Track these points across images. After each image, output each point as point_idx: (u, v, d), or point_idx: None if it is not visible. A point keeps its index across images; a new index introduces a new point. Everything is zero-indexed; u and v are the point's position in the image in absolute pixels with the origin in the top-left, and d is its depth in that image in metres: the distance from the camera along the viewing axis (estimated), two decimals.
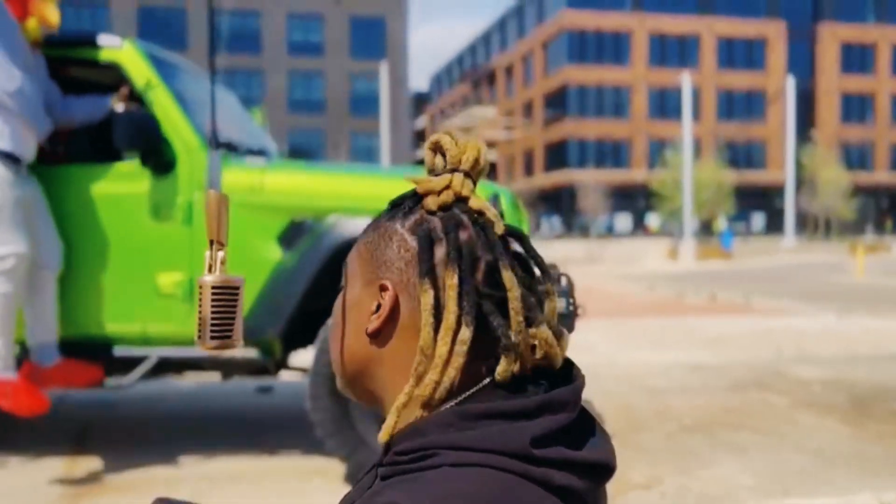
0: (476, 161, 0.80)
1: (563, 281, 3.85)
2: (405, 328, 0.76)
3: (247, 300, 3.59)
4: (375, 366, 0.78)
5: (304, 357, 4.42)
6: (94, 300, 3.69)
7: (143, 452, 3.92)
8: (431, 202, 0.78)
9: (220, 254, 0.89)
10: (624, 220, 53.57)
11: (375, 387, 0.80)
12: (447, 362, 0.72)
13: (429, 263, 0.74)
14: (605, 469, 0.73)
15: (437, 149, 0.81)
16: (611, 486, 3.54)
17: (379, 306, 0.77)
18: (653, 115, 54.75)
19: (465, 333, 0.72)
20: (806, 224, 52.33)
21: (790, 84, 35.65)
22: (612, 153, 54.60)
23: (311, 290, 3.52)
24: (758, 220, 55.43)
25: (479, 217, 0.78)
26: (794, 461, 3.83)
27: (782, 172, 45.92)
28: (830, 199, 47.38)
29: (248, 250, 3.55)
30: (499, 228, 0.78)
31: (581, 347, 7.28)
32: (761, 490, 3.41)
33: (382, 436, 0.75)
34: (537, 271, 0.80)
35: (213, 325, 0.87)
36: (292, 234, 3.61)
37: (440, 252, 0.75)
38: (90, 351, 3.74)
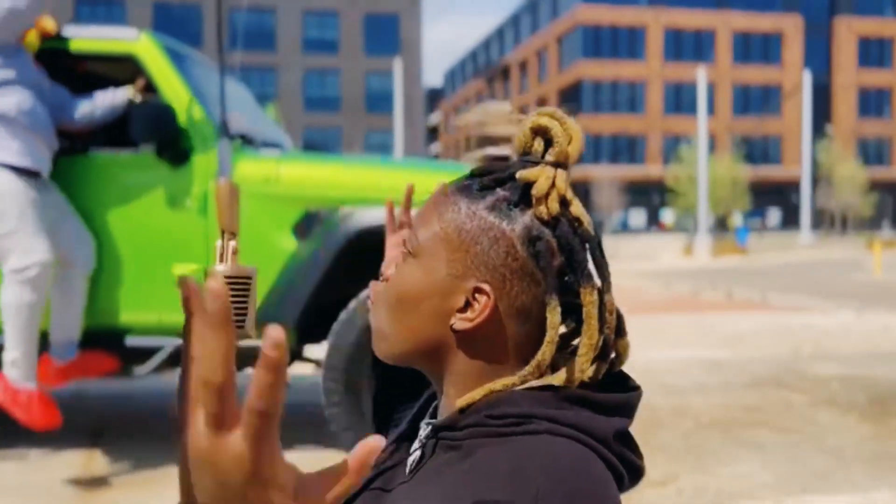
0: (579, 154, 0.79)
1: None
2: (489, 329, 0.77)
3: (261, 290, 3.60)
4: (446, 351, 0.79)
5: (318, 349, 4.42)
6: (111, 290, 3.70)
7: (159, 445, 3.93)
8: (544, 210, 0.76)
9: (232, 243, 0.87)
10: (638, 217, 53.39)
11: (435, 367, 0.80)
12: (582, 372, 0.76)
13: (555, 282, 0.75)
14: (640, 474, 0.78)
15: (541, 133, 0.79)
16: None
17: (467, 304, 0.77)
18: (668, 110, 54.50)
19: (595, 345, 0.77)
20: (822, 220, 51.98)
21: (807, 79, 35.39)
22: (626, 149, 54.41)
23: (326, 280, 3.52)
24: (773, 215, 55.10)
25: (578, 226, 0.78)
26: (813, 459, 3.79)
27: (798, 168, 45.62)
28: (847, 195, 47.04)
29: (263, 241, 3.55)
30: (594, 241, 0.79)
31: None
32: (780, 488, 3.38)
33: (462, 402, 0.76)
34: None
35: None
36: (307, 225, 3.61)
37: (554, 266, 0.76)
38: (106, 340, 3.75)
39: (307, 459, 3.75)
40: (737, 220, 39.62)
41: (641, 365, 6.33)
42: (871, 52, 57.44)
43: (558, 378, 0.76)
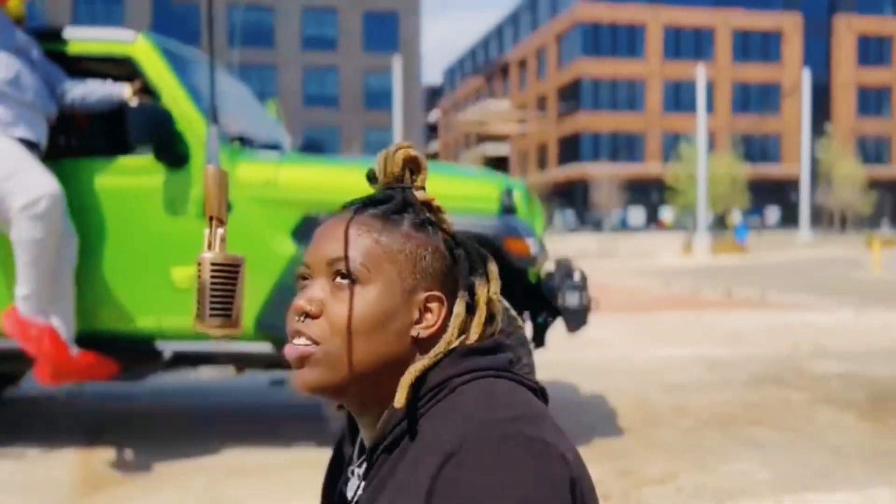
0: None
1: (577, 275, 3.82)
2: (442, 326, 0.89)
3: (261, 295, 3.60)
4: (405, 362, 0.86)
5: None
6: (109, 294, 3.70)
7: (158, 445, 3.93)
8: (448, 226, 0.92)
9: (220, 231, 0.86)
10: (637, 214, 53.38)
11: (389, 382, 0.86)
12: (473, 340, 0.90)
13: (468, 278, 0.90)
14: (544, 393, 0.93)
15: (411, 163, 0.92)
16: (626, 481, 3.52)
17: (420, 315, 0.87)
18: (667, 108, 54.49)
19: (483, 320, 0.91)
20: (821, 218, 51.97)
21: (806, 77, 35.38)
22: (626, 147, 54.40)
23: None
24: (773, 214, 55.11)
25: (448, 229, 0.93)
26: (812, 457, 3.79)
27: (797, 166, 45.59)
28: (846, 193, 47.02)
29: (262, 245, 3.54)
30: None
31: (596, 343, 7.24)
32: (779, 486, 3.38)
33: (401, 397, 0.84)
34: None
35: (212, 302, 0.84)
36: (306, 229, 3.60)
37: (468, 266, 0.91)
38: (105, 344, 3.75)
39: (307, 458, 3.75)
40: (736, 218, 39.57)
41: (640, 363, 6.33)
42: (871, 51, 57.43)
43: (439, 349, 0.87)
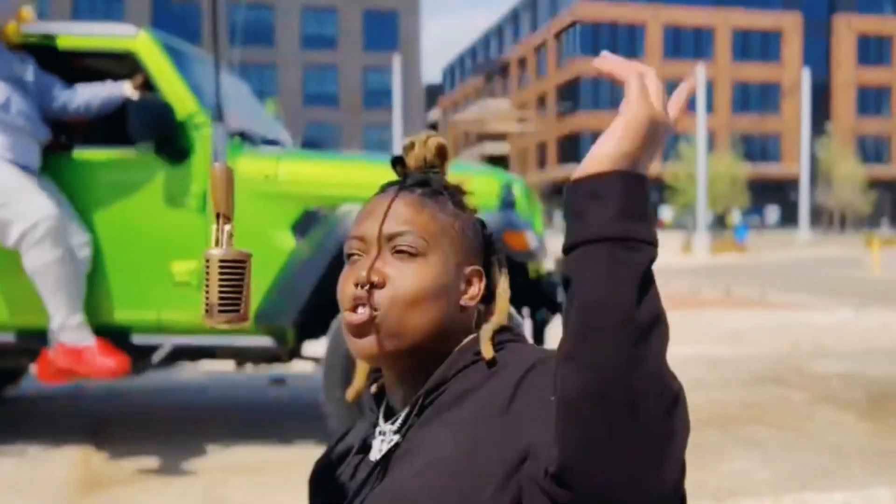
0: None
1: None
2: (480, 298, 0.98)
3: (260, 289, 3.60)
4: (457, 329, 0.95)
5: (316, 347, 4.42)
6: (110, 288, 3.70)
7: (159, 444, 3.93)
8: (475, 209, 1.00)
9: (227, 227, 0.87)
10: None
11: (447, 346, 0.94)
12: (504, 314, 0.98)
13: (501, 257, 1.01)
14: None
15: (441, 153, 0.98)
16: None
17: (467, 285, 0.95)
18: None
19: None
20: (821, 218, 51.97)
21: (806, 76, 35.37)
22: None
23: (325, 279, 3.51)
24: (772, 213, 55.09)
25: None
26: (812, 456, 3.79)
27: (797, 165, 45.59)
28: (846, 193, 47.01)
29: (262, 239, 3.54)
30: None
31: None
32: (778, 484, 3.38)
33: (489, 350, 0.92)
34: None
35: (220, 299, 0.85)
36: (306, 223, 3.60)
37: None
38: (106, 338, 3.75)
39: (307, 456, 3.75)
40: (735, 217, 39.52)
41: None
42: (871, 50, 57.42)
43: (498, 318, 0.96)
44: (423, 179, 0.96)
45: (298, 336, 3.85)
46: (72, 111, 3.72)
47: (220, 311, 0.86)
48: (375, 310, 0.90)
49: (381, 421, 0.97)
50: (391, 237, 0.92)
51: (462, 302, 0.94)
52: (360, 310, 0.90)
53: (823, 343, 7.27)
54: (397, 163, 0.99)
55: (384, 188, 0.98)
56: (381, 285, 0.90)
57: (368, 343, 0.90)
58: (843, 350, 6.88)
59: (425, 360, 0.93)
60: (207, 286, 0.85)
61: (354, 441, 1.02)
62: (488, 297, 0.98)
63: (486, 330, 0.94)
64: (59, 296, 3.38)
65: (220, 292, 0.85)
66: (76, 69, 4.02)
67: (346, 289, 0.92)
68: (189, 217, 3.63)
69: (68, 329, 3.41)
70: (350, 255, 0.95)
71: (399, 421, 0.93)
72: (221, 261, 0.85)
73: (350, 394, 1.03)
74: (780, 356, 6.57)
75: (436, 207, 0.94)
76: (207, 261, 0.85)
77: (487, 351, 0.91)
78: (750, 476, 3.49)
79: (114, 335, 3.75)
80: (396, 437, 0.92)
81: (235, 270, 0.86)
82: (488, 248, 0.99)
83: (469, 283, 0.95)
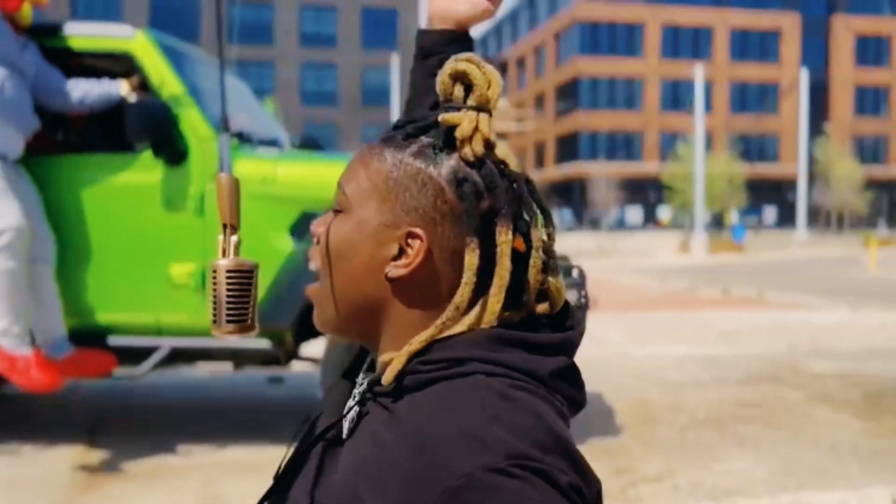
0: (498, 97, 0.79)
1: (576, 272, 3.83)
2: (424, 274, 0.77)
3: (259, 291, 3.59)
4: (382, 305, 0.79)
5: (314, 348, 4.42)
6: (107, 290, 3.69)
7: (155, 442, 3.93)
8: (469, 152, 0.76)
9: (234, 237, 0.88)
10: (635, 213, 53.40)
11: (373, 325, 0.80)
12: (493, 314, 0.75)
13: (477, 222, 0.75)
14: (580, 405, 0.80)
15: (460, 78, 0.79)
16: (623, 479, 3.52)
17: (401, 252, 0.77)
18: (665, 107, 54.49)
19: (506, 284, 0.76)
20: (818, 218, 52.02)
21: (804, 76, 35.39)
22: (623, 145, 54.40)
23: None
24: (770, 213, 55.13)
25: (504, 168, 0.78)
26: (808, 455, 3.80)
27: (795, 165, 45.63)
28: (843, 193, 47.05)
29: (260, 241, 3.54)
30: (521, 180, 0.78)
31: (593, 340, 7.25)
32: (775, 483, 3.39)
33: (389, 376, 0.74)
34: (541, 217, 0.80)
35: (228, 309, 0.86)
36: (304, 226, 3.60)
37: (482, 208, 0.76)
38: (103, 340, 3.75)
39: None
40: (733, 217, 39.56)
41: (637, 361, 6.34)
42: (869, 50, 57.46)
43: (468, 321, 0.75)
44: (410, 120, 0.81)
45: (296, 338, 3.85)
46: (67, 104, 3.69)
47: (229, 321, 0.87)
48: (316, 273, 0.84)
49: (362, 374, 0.88)
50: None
51: (386, 269, 0.77)
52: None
53: (820, 343, 7.28)
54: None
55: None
56: (318, 241, 0.83)
57: (315, 315, 0.84)
58: (839, 350, 6.89)
59: (366, 334, 0.81)
60: (215, 296, 0.86)
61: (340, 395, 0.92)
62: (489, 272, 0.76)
63: (408, 345, 0.75)
64: (7, 303, 3.39)
65: (228, 302, 0.86)
66: (73, 69, 4.01)
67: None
68: (187, 219, 3.63)
69: (9, 335, 3.41)
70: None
71: (356, 399, 0.81)
72: (229, 271, 0.86)
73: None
74: (777, 356, 6.58)
75: (382, 155, 0.78)
76: (215, 271, 0.86)
77: (386, 377, 0.74)
78: (747, 475, 3.50)
79: (111, 337, 3.75)
80: (350, 416, 0.80)
81: (243, 280, 0.87)
82: (488, 212, 0.76)
83: (407, 245, 0.76)
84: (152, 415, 4.74)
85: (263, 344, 3.72)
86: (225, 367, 5.44)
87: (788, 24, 55.92)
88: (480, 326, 0.75)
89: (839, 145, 49.47)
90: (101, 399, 5.11)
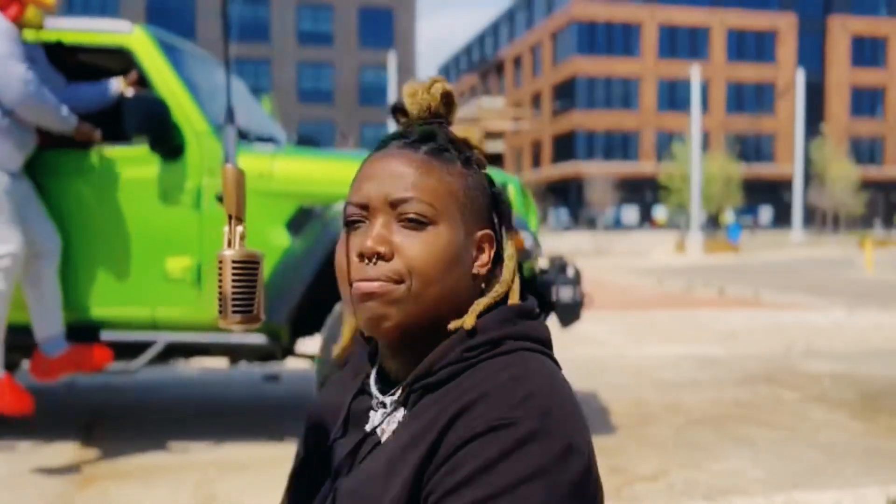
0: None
1: (571, 270, 3.84)
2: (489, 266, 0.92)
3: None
4: (467, 301, 0.88)
5: (311, 344, 4.42)
6: (103, 284, 3.69)
7: (151, 439, 3.92)
8: (484, 161, 0.91)
9: (239, 228, 0.88)
10: (631, 213, 53.44)
11: (449, 320, 0.87)
12: (517, 289, 0.91)
13: (509, 218, 0.93)
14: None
15: (445, 97, 0.89)
16: (618, 478, 3.52)
17: (478, 252, 0.89)
18: (662, 107, 54.54)
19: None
20: (814, 218, 52.11)
21: (800, 77, 35.45)
22: (620, 145, 54.43)
23: (319, 276, 3.51)
24: (766, 213, 55.22)
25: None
26: (804, 455, 3.81)
27: (791, 166, 45.71)
28: (839, 194, 47.15)
29: (257, 236, 3.54)
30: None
31: (590, 340, 7.26)
32: (770, 483, 3.39)
33: (469, 323, 0.86)
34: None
35: (234, 300, 0.86)
36: (301, 221, 3.60)
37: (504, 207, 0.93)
38: (98, 335, 3.74)
39: None
40: (729, 217, 39.64)
41: (633, 361, 6.34)
42: (865, 51, 57.58)
43: (501, 291, 0.90)
44: (427, 133, 0.87)
45: (293, 333, 3.85)
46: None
47: (234, 312, 0.87)
48: (388, 282, 0.83)
49: (373, 385, 0.93)
50: (396, 203, 0.84)
51: (474, 270, 0.88)
52: (371, 283, 0.84)
53: (816, 343, 7.30)
54: (397, 111, 0.90)
55: (385, 142, 0.89)
56: (389, 257, 0.83)
57: (381, 314, 0.84)
58: (835, 350, 6.91)
59: (433, 333, 0.87)
60: (221, 287, 0.86)
61: (345, 397, 0.98)
62: (496, 261, 0.91)
63: (479, 303, 0.87)
64: None
65: (234, 293, 0.86)
66: (70, 65, 4.00)
67: (352, 260, 0.86)
68: (183, 214, 3.63)
69: None
70: (351, 222, 0.87)
71: (394, 397, 0.89)
72: (234, 262, 0.86)
73: (336, 350, 1.01)
74: (772, 356, 6.59)
75: (443, 167, 0.86)
76: (220, 262, 0.86)
77: (468, 322, 0.85)
78: (742, 475, 3.50)
79: (107, 331, 3.75)
80: (393, 415, 0.88)
81: (248, 271, 0.87)
82: (495, 207, 0.91)
83: (480, 249, 0.89)
84: (148, 412, 4.73)
85: (259, 339, 3.71)
86: (220, 365, 5.44)
87: (785, 25, 55.99)
88: (503, 294, 0.90)
89: (835, 146, 49.56)
90: (97, 395, 5.10)
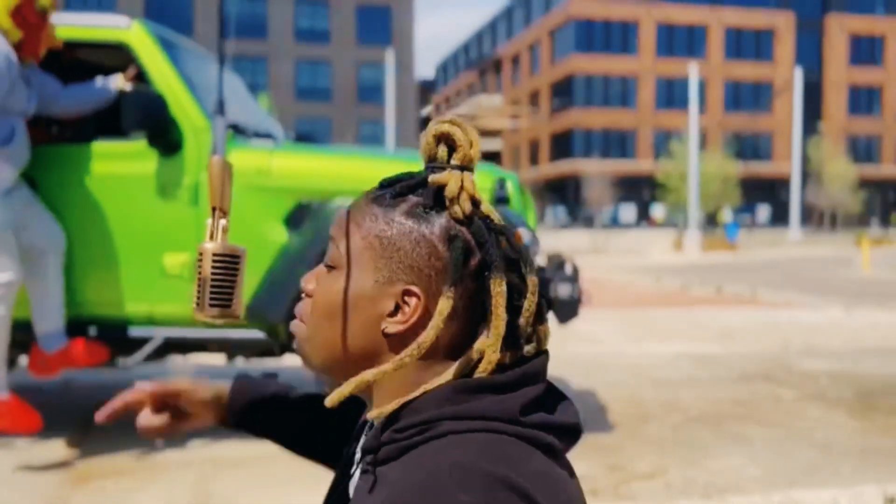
0: (478, 156, 0.82)
1: (569, 267, 3.84)
2: (421, 327, 0.79)
3: (252, 282, 3.59)
4: (377, 358, 0.81)
5: None
6: (101, 280, 3.68)
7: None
8: (458, 211, 0.79)
9: (223, 221, 0.86)
10: (629, 211, 53.47)
11: (367, 366, 0.82)
12: (491, 363, 0.78)
13: (460, 275, 0.78)
14: (575, 430, 0.82)
15: (444, 139, 0.81)
16: (616, 476, 3.52)
17: (397, 308, 0.79)
18: (659, 105, 54.56)
19: (503, 333, 0.79)
20: (811, 217, 52.18)
21: (798, 75, 35.46)
22: (618, 143, 54.45)
23: None
24: (763, 212, 55.28)
25: (490, 222, 0.81)
26: (801, 453, 3.81)
27: (788, 164, 45.75)
28: (837, 192, 47.22)
29: (254, 232, 3.54)
30: (508, 232, 0.82)
31: (588, 338, 7.26)
32: (767, 481, 3.39)
33: (373, 415, 0.79)
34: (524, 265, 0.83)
35: (212, 292, 0.85)
36: (298, 217, 3.60)
37: (472, 263, 0.79)
38: (96, 331, 3.74)
39: None
40: (727, 215, 39.66)
41: (631, 359, 6.35)
42: (863, 50, 57.64)
43: (458, 369, 0.79)
44: (398, 179, 0.83)
45: (289, 330, 3.84)
46: (66, 112, 3.70)
47: (212, 305, 0.85)
48: (300, 321, 0.86)
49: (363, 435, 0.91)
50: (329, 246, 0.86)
51: (382, 325, 0.79)
52: (293, 320, 0.87)
53: (813, 341, 7.30)
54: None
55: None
56: (309, 295, 0.85)
57: (300, 351, 0.86)
58: (832, 348, 6.91)
59: (349, 377, 0.82)
60: (200, 279, 0.85)
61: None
62: (477, 321, 0.80)
63: (360, 376, 0.79)
64: None
65: (213, 286, 0.85)
66: (68, 60, 3.99)
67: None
68: (181, 209, 3.63)
69: None
70: None
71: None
72: (215, 255, 0.85)
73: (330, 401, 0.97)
74: (770, 354, 6.59)
75: (373, 215, 0.80)
76: (201, 254, 0.85)
77: (330, 400, 0.78)
78: (739, 473, 3.51)
79: (105, 327, 3.74)
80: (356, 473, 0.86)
81: (229, 265, 0.86)
82: (479, 265, 0.79)
83: (404, 304, 0.79)
84: None
85: (256, 335, 3.71)
86: (218, 362, 5.42)
87: (783, 24, 56.03)
88: (475, 375, 0.78)
89: (832, 144, 49.63)
90: (94, 391, 5.09)
